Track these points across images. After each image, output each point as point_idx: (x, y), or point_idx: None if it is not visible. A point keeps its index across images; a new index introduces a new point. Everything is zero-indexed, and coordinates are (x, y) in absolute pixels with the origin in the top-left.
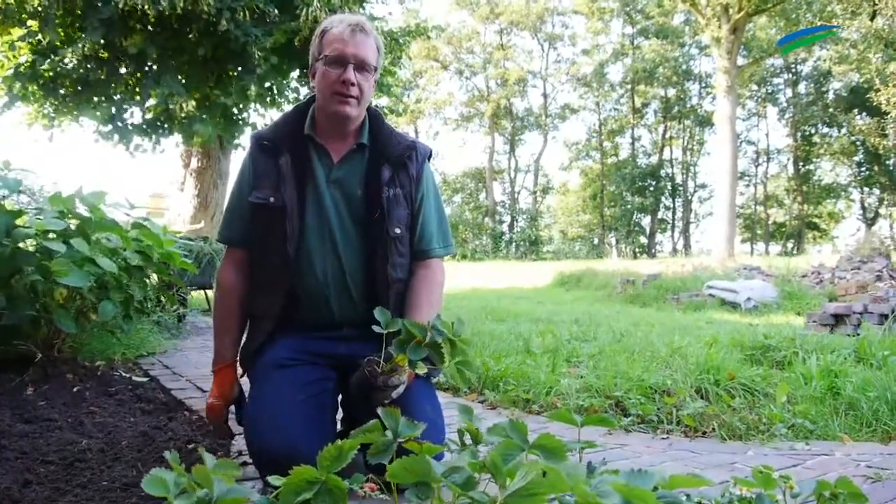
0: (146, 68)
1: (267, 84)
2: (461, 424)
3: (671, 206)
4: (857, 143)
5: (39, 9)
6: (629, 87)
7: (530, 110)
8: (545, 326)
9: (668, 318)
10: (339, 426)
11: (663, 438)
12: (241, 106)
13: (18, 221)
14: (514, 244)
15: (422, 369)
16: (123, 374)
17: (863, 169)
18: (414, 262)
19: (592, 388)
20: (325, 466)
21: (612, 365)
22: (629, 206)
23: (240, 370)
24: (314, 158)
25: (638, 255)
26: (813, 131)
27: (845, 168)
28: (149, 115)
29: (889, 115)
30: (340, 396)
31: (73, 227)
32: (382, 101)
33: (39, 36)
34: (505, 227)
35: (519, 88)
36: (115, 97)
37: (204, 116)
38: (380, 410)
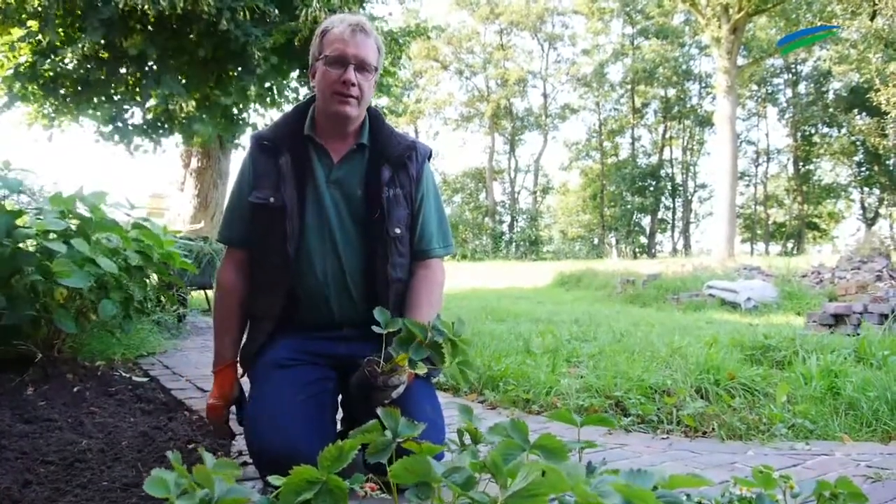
0: (146, 69)
1: (267, 84)
2: (461, 424)
3: (671, 206)
4: (857, 143)
5: (39, 9)
6: (629, 87)
7: (530, 110)
8: (545, 326)
9: (668, 318)
10: (339, 426)
11: (663, 438)
12: (241, 106)
13: (19, 221)
14: (514, 244)
15: (422, 369)
16: (123, 374)
17: (863, 169)
18: (414, 262)
19: (592, 388)
20: (325, 466)
21: (612, 365)
22: (629, 206)
23: (240, 370)
24: (314, 158)
25: (638, 255)
26: (813, 131)
27: (845, 168)
28: (149, 116)
29: (889, 115)
30: (340, 396)
31: (73, 227)
32: (382, 102)
33: (39, 36)
34: (505, 227)
35: (519, 88)
36: (115, 97)
37: (204, 116)
38: (379, 410)
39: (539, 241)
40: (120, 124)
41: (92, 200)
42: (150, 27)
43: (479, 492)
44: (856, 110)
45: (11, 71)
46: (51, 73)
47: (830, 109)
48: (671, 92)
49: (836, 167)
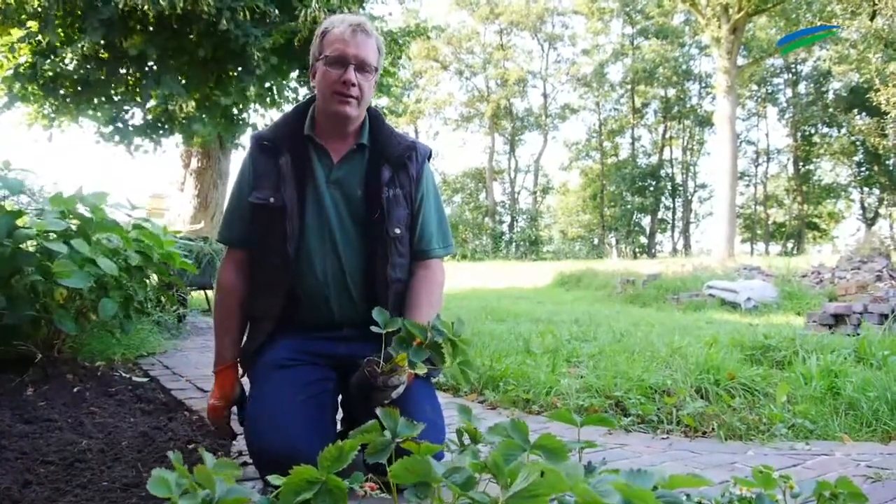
0: (146, 69)
1: (267, 84)
2: (461, 424)
3: (671, 206)
4: (857, 143)
5: (39, 10)
6: (629, 87)
7: (530, 110)
8: (545, 326)
9: (668, 318)
10: (339, 426)
11: (663, 438)
12: (241, 106)
13: (19, 222)
14: (514, 244)
15: (421, 369)
16: (123, 375)
17: (863, 169)
18: (414, 262)
19: (592, 388)
20: (325, 467)
21: (612, 365)
22: (629, 206)
23: (240, 370)
24: (314, 159)
25: (638, 255)
26: (813, 131)
27: (845, 168)
28: (149, 116)
29: (889, 115)
30: (340, 396)
31: (73, 227)
32: (382, 102)
33: (39, 37)
34: (505, 227)
35: (519, 88)
36: (115, 98)
37: (204, 117)
38: (378, 410)
39: (539, 241)
40: (120, 125)
41: (93, 201)
42: (150, 27)
43: (480, 492)
44: (856, 110)
45: (11, 71)
46: (50, 74)
47: (830, 109)
48: (671, 92)
49: (836, 167)
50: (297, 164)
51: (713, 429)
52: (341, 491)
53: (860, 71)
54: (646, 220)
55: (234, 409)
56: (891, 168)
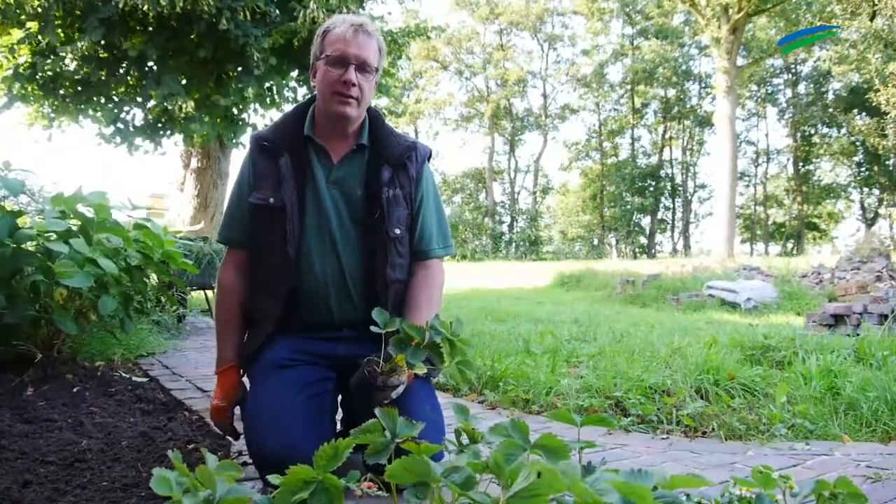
0: (146, 69)
1: (266, 85)
2: (459, 425)
3: (671, 206)
4: (857, 143)
5: (39, 10)
6: (629, 87)
7: (530, 111)
8: (545, 327)
9: (668, 319)
10: (339, 426)
11: (663, 438)
12: (240, 107)
13: (19, 222)
14: (513, 244)
15: (421, 369)
16: (123, 375)
17: (862, 169)
18: (413, 262)
19: (592, 388)
20: (321, 466)
21: (611, 365)
22: (629, 207)
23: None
24: (314, 159)
25: (638, 255)
26: (813, 131)
27: (845, 168)
28: (150, 117)
29: (889, 116)
30: (340, 397)
31: (74, 227)
32: (382, 102)
33: (39, 37)
34: (505, 228)
35: (519, 89)
36: (115, 98)
37: (205, 118)
38: (378, 411)
39: (539, 242)
40: (121, 126)
41: (94, 201)
42: (150, 27)
43: (481, 492)
44: (855, 110)
45: (11, 71)
46: (50, 74)
47: (830, 109)
48: (671, 92)
49: (835, 167)
50: (296, 165)
51: (713, 429)
52: (337, 490)
53: (860, 71)
54: (646, 221)
55: (237, 409)
56: (891, 168)
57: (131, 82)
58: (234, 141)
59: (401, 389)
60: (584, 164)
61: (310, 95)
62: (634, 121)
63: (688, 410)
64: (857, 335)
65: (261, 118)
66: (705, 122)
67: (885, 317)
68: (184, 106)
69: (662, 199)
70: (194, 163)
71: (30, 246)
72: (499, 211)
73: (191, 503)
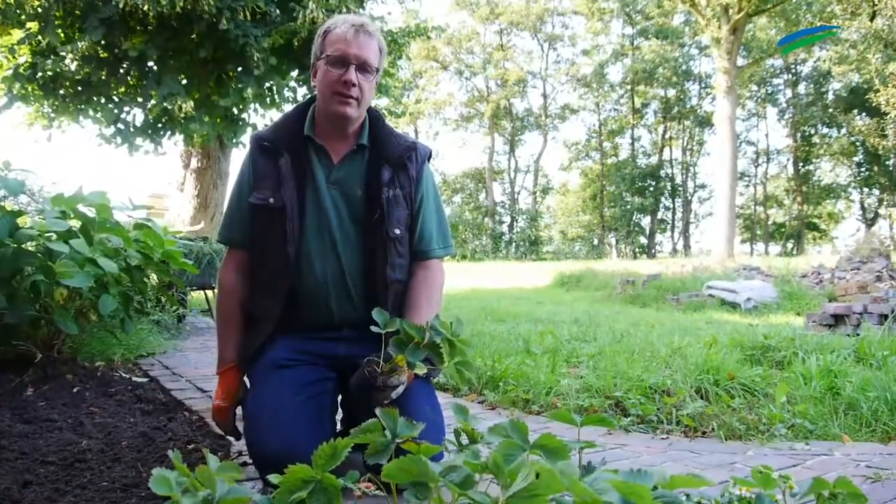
0: (147, 69)
1: (266, 85)
2: (459, 425)
3: (671, 206)
4: (857, 143)
5: (39, 10)
6: (629, 87)
7: (530, 111)
8: (545, 327)
9: (668, 319)
10: (339, 426)
11: (663, 438)
12: (240, 107)
13: (19, 222)
14: (513, 244)
15: (421, 369)
16: (123, 375)
17: (862, 169)
18: (413, 262)
19: (592, 388)
20: (320, 465)
21: (611, 365)
22: (629, 207)
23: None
24: (314, 159)
25: (638, 255)
26: (813, 132)
27: (845, 168)
28: (150, 117)
29: (889, 116)
30: (340, 397)
31: (74, 227)
32: (382, 102)
33: (39, 37)
34: (505, 228)
35: (519, 89)
36: (115, 98)
37: (205, 118)
38: (378, 411)
39: (539, 242)
40: (121, 126)
41: (95, 201)
42: (150, 27)
43: (481, 492)
44: (855, 111)
45: (11, 72)
46: (50, 74)
47: (830, 110)
48: (671, 92)
49: (835, 167)
50: (296, 165)
51: (713, 429)
52: (335, 489)
53: (860, 71)
54: (645, 221)
55: (239, 409)
56: (890, 168)
57: (131, 82)
58: (234, 141)
59: (401, 390)
60: (584, 164)
61: (310, 95)
62: (634, 121)
63: (688, 410)
64: (857, 335)
65: (261, 118)
66: (705, 122)
67: (885, 317)
68: (184, 106)
69: (662, 199)
70: (194, 163)
71: (30, 246)
72: (499, 211)
73: (190, 503)
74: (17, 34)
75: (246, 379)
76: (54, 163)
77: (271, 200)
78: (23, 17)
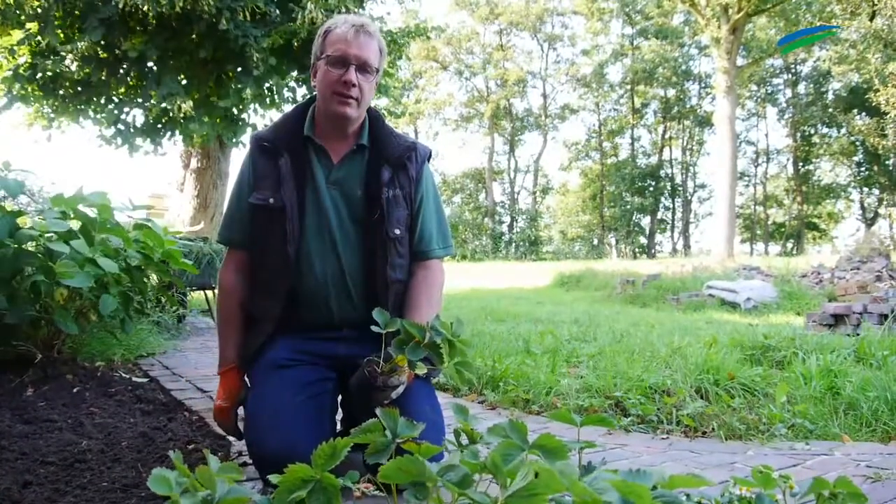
0: (146, 69)
1: (266, 85)
2: (459, 425)
3: (671, 206)
4: (857, 143)
5: (39, 10)
6: (628, 87)
7: (530, 111)
8: (545, 327)
9: (668, 319)
10: (339, 426)
11: (663, 438)
12: (240, 107)
13: (19, 222)
14: (513, 244)
15: (421, 369)
16: (123, 375)
17: (862, 169)
18: (413, 262)
19: (592, 388)
20: (319, 465)
21: (611, 365)
22: (629, 207)
23: None
24: (314, 159)
25: (637, 255)
26: (812, 131)
27: (845, 168)
28: (150, 117)
29: (888, 115)
30: (340, 397)
31: (74, 228)
32: (381, 102)
33: (39, 38)
34: (504, 228)
35: (518, 89)
36: (115, 99)
37: (204, 118)
38: (378, 411)
39: (539, 242)
40: (122, 127)
41: (97, 201)
42: (150, 28)
43: (480, 492)
44: (855, 110)
45: (11, 72)
46: (50, 74)
47: (830, 109)
48: (671, 92)
49: (835, 167)
50: (296, 165)
51: (713, 429)
52: (335, 489)
53: (860, 71)
54: (645, 221)
55: (241, 409)
56: (890, 168)
57: (131, 83)
58: (233, 141)
59: (401, 390)
60: (584, 164)
61: (309, 96)
62: (634, 121)
63: (688, 410)
64: (857, 335)
65: (260, 118)
66: (705, 122)
67: (885, 317)
68: (183, 106)
69: (662, 199)
70: (194, 163)
71: (30, 246)
72: (499, 211)
73: (189, 503)
74: (17, 35)
75: (247, 379)
76: (54, 163)
77: (271, 201)
78: (22, 17)
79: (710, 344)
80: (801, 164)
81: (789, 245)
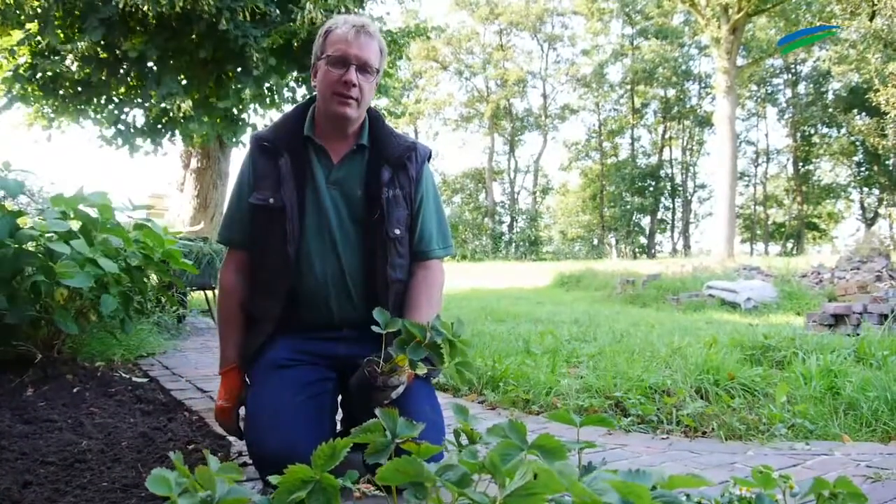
0: (147, 70)
1: (266, 85)
2: (459, 425)
3: (671, 206)
4: (857, 143)
5: (38, 11)
6: (628, 87)
7: (530, 111)
8: (545, 327)
9: (668, 319)
10: (339, 426)
11: (663, 438)
12: (239, 107)
13: (19, 222)
14: (513, 244)
15: (421, 370)
16: (123, 375)
17: (862, 169)
18: (413, 262)
19: (592, 388)
20: (319, 465)
21: (611, 365)
22: (629, 207)
23: None
24: (314, 159)
25: (637, 255)
26: (812, 131)
27: (845, 168)
28: (150, 117)
29: (888, 115)
30: (340, 397)
31: (74, 228)
32: (381, 103)
33: (39, 38)
34: (504, 228)
35: (518, 89)
36: (115, 99)
37: (204, 118)
38: (378, 411)
39: (539, 242)
40: (122, 127)
41: (96, 201)
42: (150, 28)
43: (479, 492)
44: (855, 110)
45: (11, 73)
46: (50, 74)
47: (830, 109)
48: (671, 92)
49: (835, 167)
50: (296, 165)
51: (713, 429)
52: (334, 489)
53: (860, 71)
54: (645, 221)
55: (242, 409)
56: (890, 168)
57: (131, 83)
58: (233, 141)
59: (401, 390)
60: (584, 164)
61: (309, 96)
62: (634, 121)
63: (688, 410)
64: (857, 335)
65: (260, 118)
66: (705, 122)
67: (885, 316)
68: (182, 105)
69: (662, 199)
70: (194, 163)
71: (31, 246)
72: (499, 211)
73: (188, 503)
74: (17, 35)
75: (247, 379)
76: (54, 163)
77: (271, 201)
78: (22, 17)
79: (710, 344)
80: (801, 164)
81: (789, 245)
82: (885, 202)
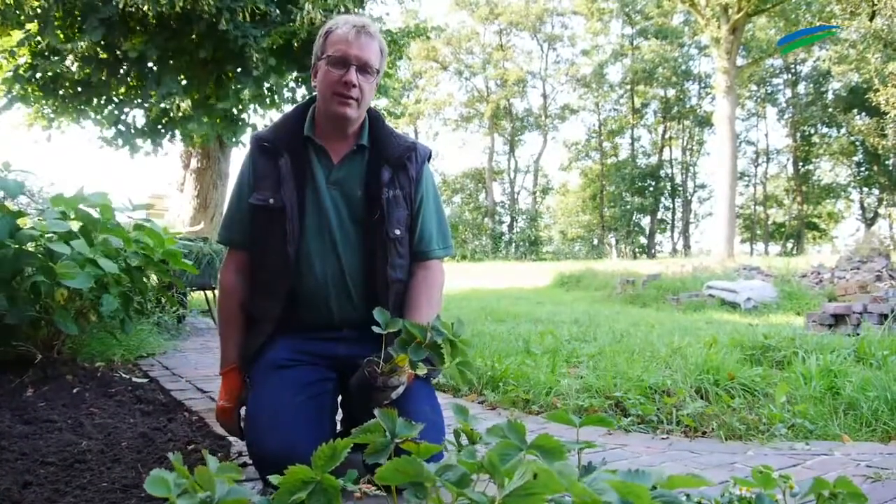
0: (147, 70)
1: (266, 85)
2: (459, 425)
3: (671, 206)
4: (857, 143)
5: (38, 11)
6: (628, 87)
7: (530, 111)
8: (545, 327)
9: (668, 319)
10: (339, 426)
11: (663, 438)
12: (239, 108)
13: (19, 223)
14: (513, 244)
15: (421, 370)
16: (123, 376)
17: (862, 169)
18: (413, 263)
19: (592, 388)
20: (319, 466)
21: (611, 365)
22: (629, 207)
23: None
24: (314, 160)
25: (637, 255)
26: (812, 131)
27: (845, 168)
28: (150, 117)
29: (888, 115)
30: (340, 397)
31: (75, 228)
32: (381, 103)
33: (39, 38)
34: (504, 228)
35: (518, 89)
36: (115, 99)
37: (204, 118)
38: (377, 411)
39: (539, 242)
40: (122, 128)
41: (96, 201)
42: (150, 28)
43: (478, 492)
44: (855, 110)
45: (11, 73)
46: (50, 75)
47: (830, 109)
48: (671, 92)
49: (835, 167)
50: (296, 165)
51: (713, 429)
52: (335, 490)
53: (859, 71)
54: (645, 221)
55: (243, 409)
56: (890, 168)
57: (131, 83)
58: (233, 141)
59: (401, 390)
60: (584, 164)
61: (309, 96)
62: (634, 121)
63: (688, 410)
64: (857, 335)
65: (260, 118)
66: (705, 122)
67: (885, 316)
68: (181, 105)
69: (662, 199)
70: (194, 163)
71: (31, 247)
72: (499, 211)
73: None
74: (17, 35)
75: (248, 379)
76: (54, 163)
77: (271, 201)
78: (22, 17)
79: (710, 344)
80: (801, 164)
81: (789, 245)
82: (884, 202)
